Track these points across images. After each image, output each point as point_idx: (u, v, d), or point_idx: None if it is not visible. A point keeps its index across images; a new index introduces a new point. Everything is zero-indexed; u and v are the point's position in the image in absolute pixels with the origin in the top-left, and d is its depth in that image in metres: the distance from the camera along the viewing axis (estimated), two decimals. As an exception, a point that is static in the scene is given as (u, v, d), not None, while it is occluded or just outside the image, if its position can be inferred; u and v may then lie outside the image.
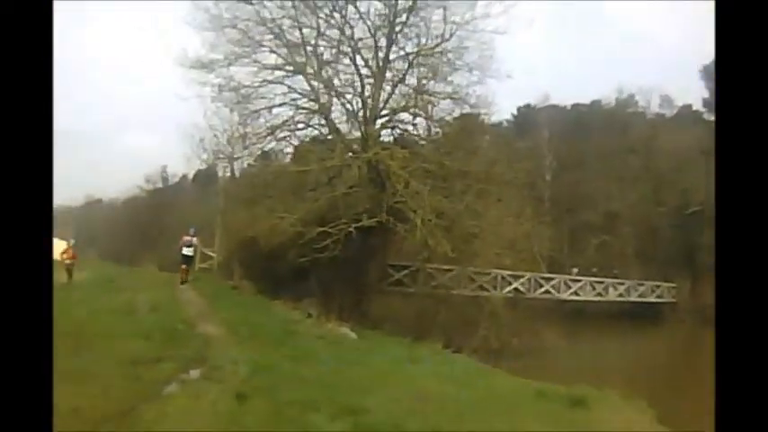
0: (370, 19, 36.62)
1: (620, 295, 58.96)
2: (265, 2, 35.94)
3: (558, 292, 52.40)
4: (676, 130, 72.11)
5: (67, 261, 36.02)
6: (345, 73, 37.50)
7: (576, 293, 54.51)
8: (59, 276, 32.29)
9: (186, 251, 37.55)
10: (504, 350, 34.31)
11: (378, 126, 36.92)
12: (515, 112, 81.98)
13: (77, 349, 14.31)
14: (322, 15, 36.60)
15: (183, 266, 37.62)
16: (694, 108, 78.55)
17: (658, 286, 62.14)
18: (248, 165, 45.41)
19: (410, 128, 38.25)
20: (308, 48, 36.38)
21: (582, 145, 73.80)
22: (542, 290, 50.53)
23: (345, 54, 37.01)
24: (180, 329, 20.33)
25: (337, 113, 37.51)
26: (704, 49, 67.99)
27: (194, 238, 37.99)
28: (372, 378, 17.50)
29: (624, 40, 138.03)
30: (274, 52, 36.30)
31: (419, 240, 33.32)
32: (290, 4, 36.08)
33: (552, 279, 52.34)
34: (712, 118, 66.80)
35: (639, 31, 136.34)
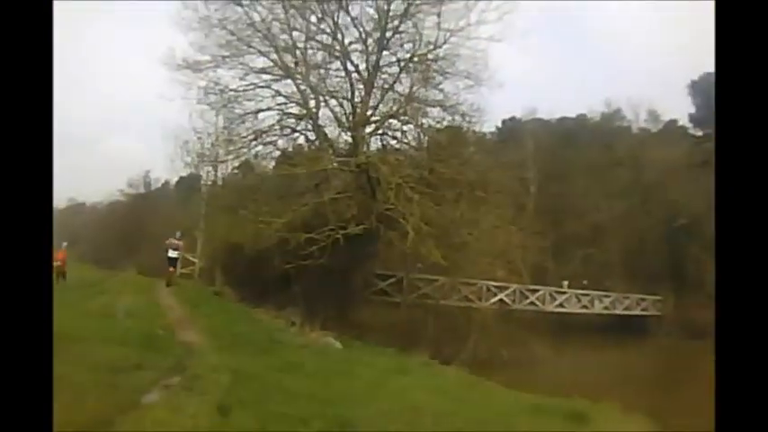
0: (361, 24, 36.30)
1: (606, 308, 59.03)
2: (257, 5, 35.62)
3: (543, 304, 52.23)
4: (662, 144, 72.19)
5: (57, 262, 35.75)
6: (335, 77, 37.20)
7: (561, 305, 54.31)
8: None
9: (172, 254, 37.25)
10: (492, 361, 33.86)
11: (367, 132, 36.43)
12: (500, 125, 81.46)
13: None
14: (313, 20, 36.28)
15: (171, 269, 37.76)
16: (680, 123, 78.38)
17: (644, 299, 61.98)
18: (233, 169, 44.78)
19: (399, 135, 37.87)
20: (298, 51, 35.97)
21: (568, 158, 73.65)
22: (527, 301, 50.24)
23: (336, 57, 36.62)
24: (160, 336, 19.65)
25: (325, 120, 37.15)
26: (692, 64, 68.00)
27: (180, 242, 37.82)
28: (361, 390, 16.82)
29: (612, 54, 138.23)
30: (264, 55, 35.92)
31: (410, 248, 32.89)
32: (279, 7, 35.71)
33: (537, 291, 52.07)
34: (698, 133, 67.23)
35: (628, 45, 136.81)
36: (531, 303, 50.89)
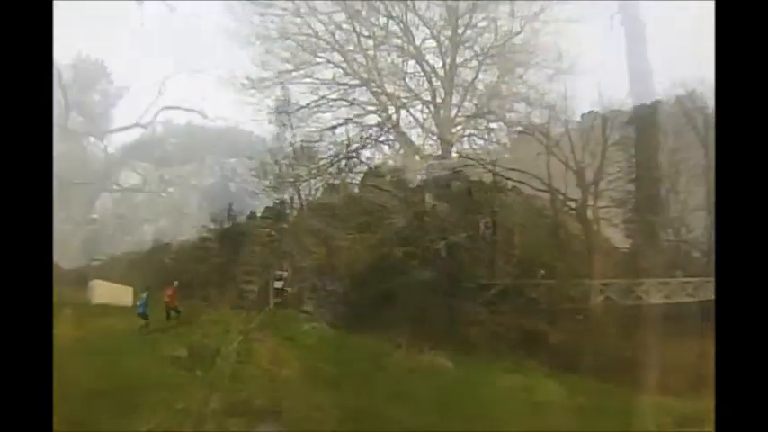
0: (433, 21, 35.68)
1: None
2: (317, 14, 34.72)
3: (649, 296, 49.98)
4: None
5: (166, 300, 36.97)
6: (414, 76, 36.49)
7: (667, 296, 52.08)
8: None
9: (277, 284, 38.84)
10: (617, 364, 31.84)
11: (454, 133, 35.06)
12: (579, 119, 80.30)
13: (122, 408, 11.89)
14: (380, 24, 35.47)
15: (274, 299, 38.66)
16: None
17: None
18: (316, 190, 43.62)
19: (486, 135, 36.50)
20: (369, 56, 34.94)
21: (648, 144, 72.28)
22: (634, 295, 48.08)
23: (411, 57, 35.59)
24: (252, 375, 18.08)
25: (407, 125, 36.18)
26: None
27: (285, 272, 39.43)
28: (486, 415, 14.93)
29: (679, 35, 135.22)
30: (332, 63, 35.22)
31: (518, 251, 31.23)
32: (341, 14, 34.91)
33: (642, 284, 49.88)
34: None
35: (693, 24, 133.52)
36: (638, 297, 48.70)
